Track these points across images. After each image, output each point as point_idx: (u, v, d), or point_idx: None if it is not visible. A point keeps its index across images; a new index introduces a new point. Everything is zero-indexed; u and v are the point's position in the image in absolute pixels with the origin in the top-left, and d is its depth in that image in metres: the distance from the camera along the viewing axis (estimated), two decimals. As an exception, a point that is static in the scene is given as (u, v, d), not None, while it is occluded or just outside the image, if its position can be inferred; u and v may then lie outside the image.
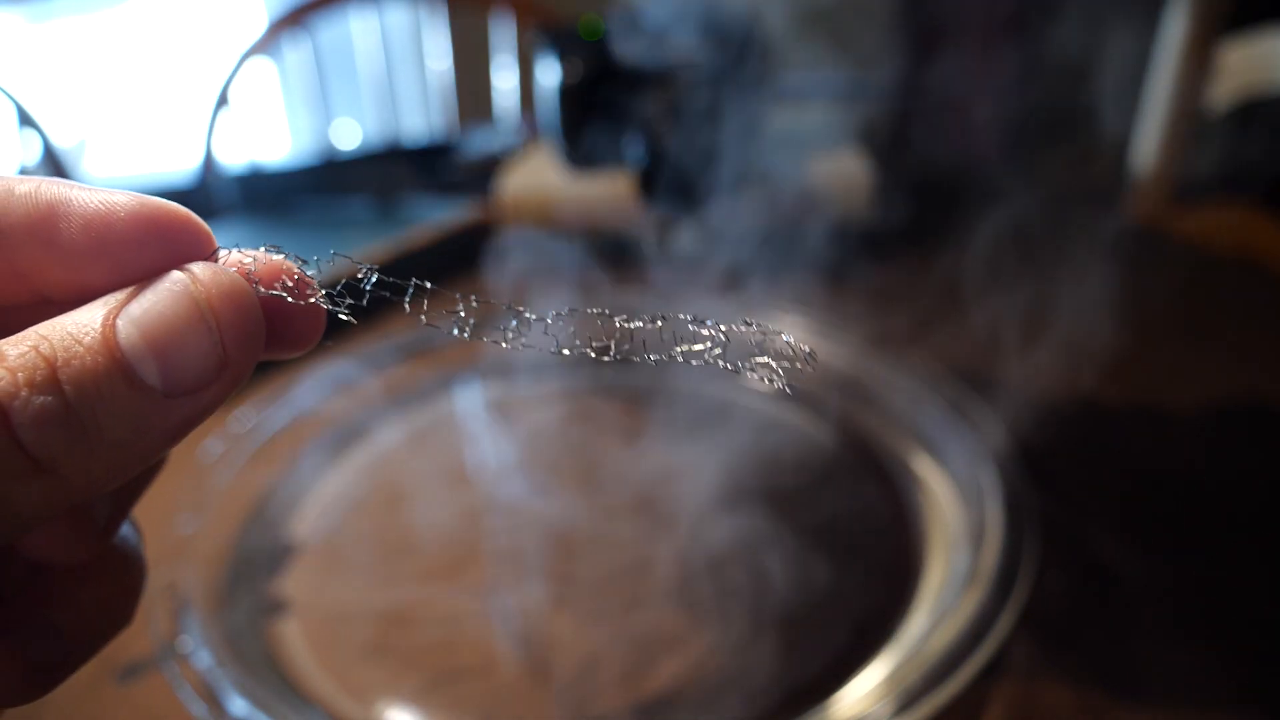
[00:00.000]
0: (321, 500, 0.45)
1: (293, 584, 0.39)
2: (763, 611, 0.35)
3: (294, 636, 0.35)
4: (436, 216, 0.77)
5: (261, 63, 1.19)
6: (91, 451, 0.14)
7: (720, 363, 0.19)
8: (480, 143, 0.91)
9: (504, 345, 0.18)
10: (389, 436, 0.50)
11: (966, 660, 0.29)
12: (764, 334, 0.18)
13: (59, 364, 0.13)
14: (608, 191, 0.72)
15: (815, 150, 0.74)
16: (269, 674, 0.33)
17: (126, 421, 0.14)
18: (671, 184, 0.63)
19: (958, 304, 0.53)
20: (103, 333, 0.14)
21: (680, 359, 0.19)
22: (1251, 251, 0.75)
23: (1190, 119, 0.83)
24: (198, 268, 0.15)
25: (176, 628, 0.32)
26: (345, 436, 0.49)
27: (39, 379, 0.13)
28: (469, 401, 0.54)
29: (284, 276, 0.16)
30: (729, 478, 0.44)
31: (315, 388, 0.50)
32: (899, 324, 0.51)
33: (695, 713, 0.31)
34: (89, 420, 0.14)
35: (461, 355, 0.55)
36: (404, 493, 0.45)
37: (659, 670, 0.33)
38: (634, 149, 0.66)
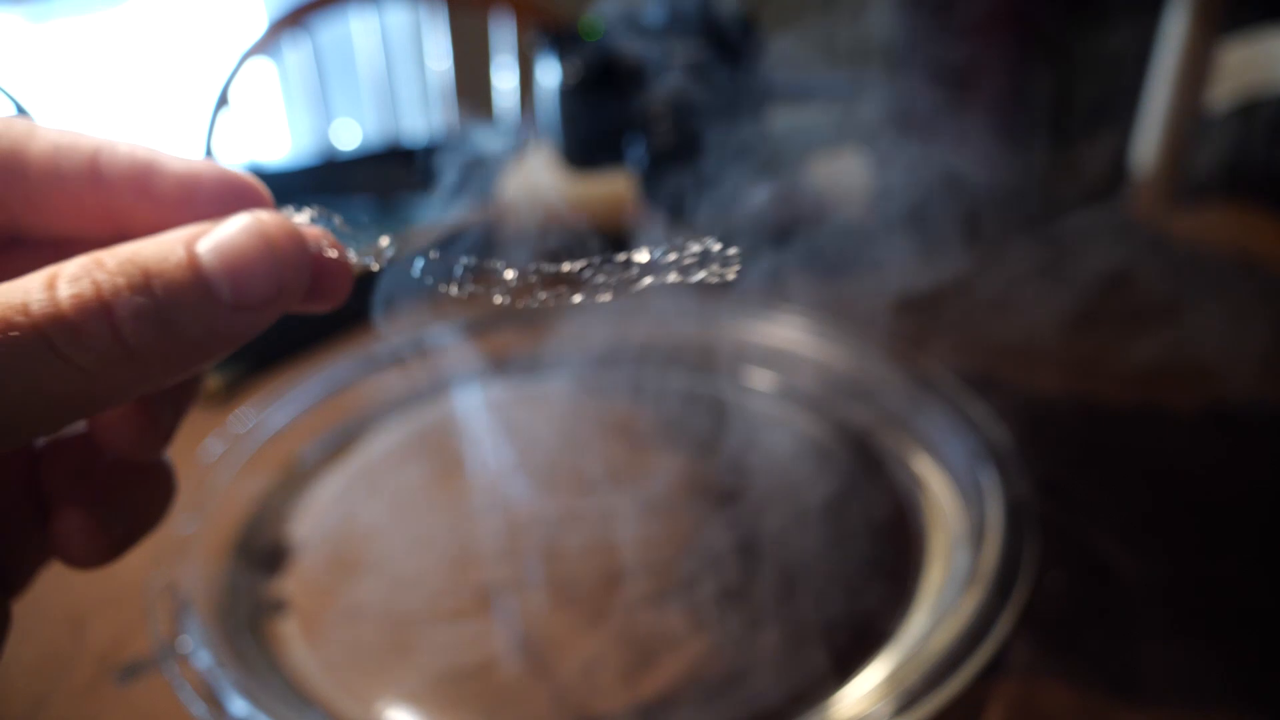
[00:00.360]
0: (321, 500, 0.45)
1: (293, 584, 0.39)
2: (763, 611, 0.35)
3: (294, 636, 0.35)
4: (436, 216, 0.77)
5: (261, 63, 1.19)
6: (171, 346, 0.17)
7: (668, 279, 0.22)
8: (480, 143, 0.91)
9: (458, 294, 0.21)
10: (389, 436, 0.50)
11: (967, 660, 0.29)
12: (699, 245, 0.22)
13: (152, 274, 0.16)
14: (608, 192, 0.72)
15: (815, 149, 0.74)
16: (269, 674, 0.33)
17: (200, 325, 0.17)
18: (671, 184, 0.63)
19: (958, 303, 0.53)
20: (187, 254, 0.17)
21: (634, 289, 0.22)
22: (1251, 251, 0.75)
23: (1190, 119, 0.83)
24: (264, 213, 0.19)
25: (176, 628, 0.32)
26: (345, 436, 0.49)
27: (136, 283, 0.16)
28: (469, 401, 0.54)
29: (324, 240, 0.20)
30: (729, 478, 0.44)
31: (315, 388, 0.50)
32: (899, 323, 0.51)
33: (695, 713, 0.31)
34: (173, 320, 0.17)
35: (461, 355, 0.55)
36: (404, 493, 0.45)
37: (659, 670, 0.33)
38: (634, 149, 0.66)
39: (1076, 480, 0.42)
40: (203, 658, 0.31)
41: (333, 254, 0.20)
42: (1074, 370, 0.53)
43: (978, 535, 0.35)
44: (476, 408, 0.54)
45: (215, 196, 0.19)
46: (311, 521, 0.43)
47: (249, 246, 0.18)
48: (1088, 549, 0.38)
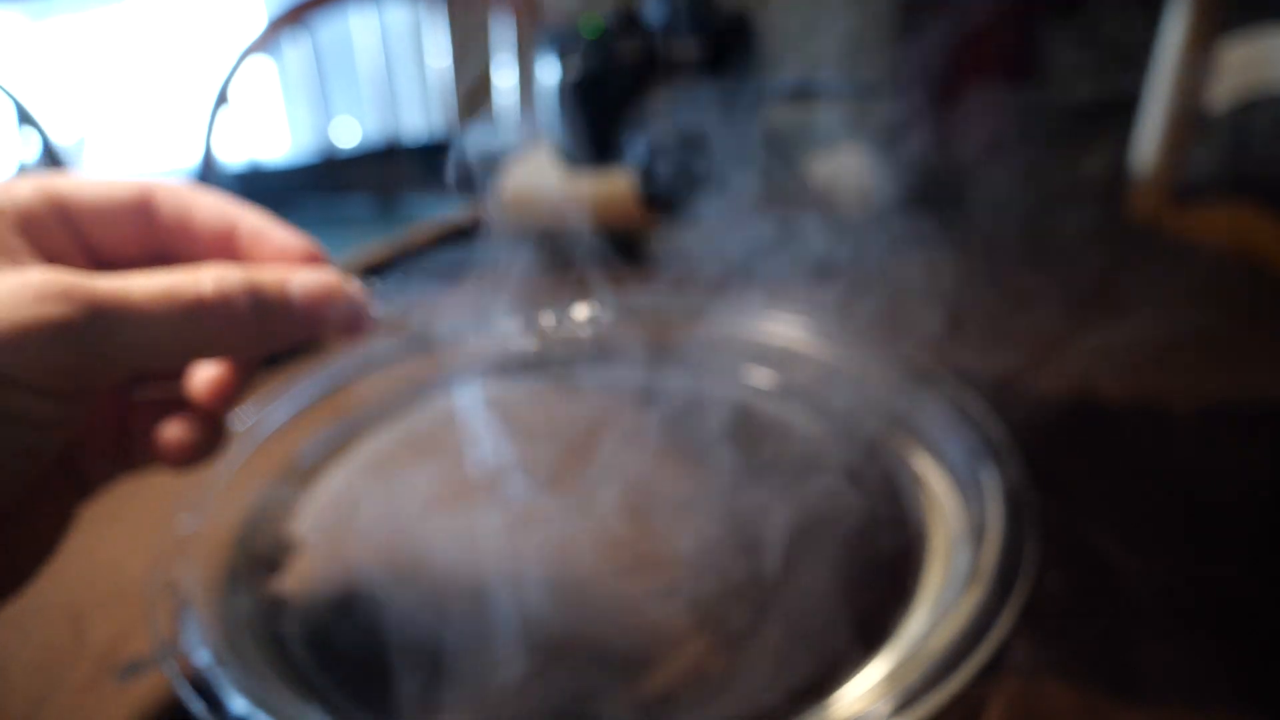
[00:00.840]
0: (321, 499, 0.45)
1: (293, 582, 0.39)
2: (762, 610, 0.35)
3: (294, 635, 0.35)
4: (436, 215, 0.77)
5: (261, 60, 1.18)
6: (259, 332, 0.27)
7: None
8: (480, 142, 0.91)
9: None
10: (390, 434, 0.50)
11: (966, 659, 0.29)
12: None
13: (260, 287, 0.26)
14: (608, 190, 0.72)
15: (816, 148, 0.74)
16: (269, 673, 0.33)
17: (280, 324, 0.27)
18: (672, 182, 0.63)
19: (958, 303, 0.53)
20: (282, 282, 0.27)
21: None
22: (1251, 251, 0.75)
23: (1190, 119, 0.83)
24: (331, 272, 0.29)
25: (176, 626, 0.32)
26: (346, 435, 0.49)
27: (249, 290, 0.26)
28: (469, 400, 0.54)
29: (359, 293, 0.29)
30: (728, 476, 0.44)
31: (315, 386, 0.50)
32: (899, 322, 0.51)
33: (695, 712, 0.31)
34: (265, 317, 0.27)
35: (462, 354, 0.55)
36: (404, 491, 0.45)
37: (659, 669, 0.33)
38: (635, 147, 0.66)
39: (1076, 480, 0.42)
40: (202, 656, 0.31)
41: (363, 304, 0.29)
42: (1074, 369, 0.53)
43: (978, 534, 0.35)
44: (477, 406, 0.54)
45: (300, 255, 0.30)
46: (311, 520, 0.43)
47: (317, 287, 0.28)
48: (1088, 549, 0.38)
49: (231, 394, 0.31)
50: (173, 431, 0.29)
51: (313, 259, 0.30)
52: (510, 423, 0.51)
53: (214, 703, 0.29)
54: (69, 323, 0.22)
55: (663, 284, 0.69)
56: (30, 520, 0.27)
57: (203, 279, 0.25)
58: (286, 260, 0.29)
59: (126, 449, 0.30)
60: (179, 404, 0.30)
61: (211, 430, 0.30)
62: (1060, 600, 0.35)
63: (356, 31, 1.62)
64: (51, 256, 0.26)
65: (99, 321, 0.23)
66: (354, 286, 0.29)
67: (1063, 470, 0.43)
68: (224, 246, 0.29)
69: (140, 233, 0.29)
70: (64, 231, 0.27)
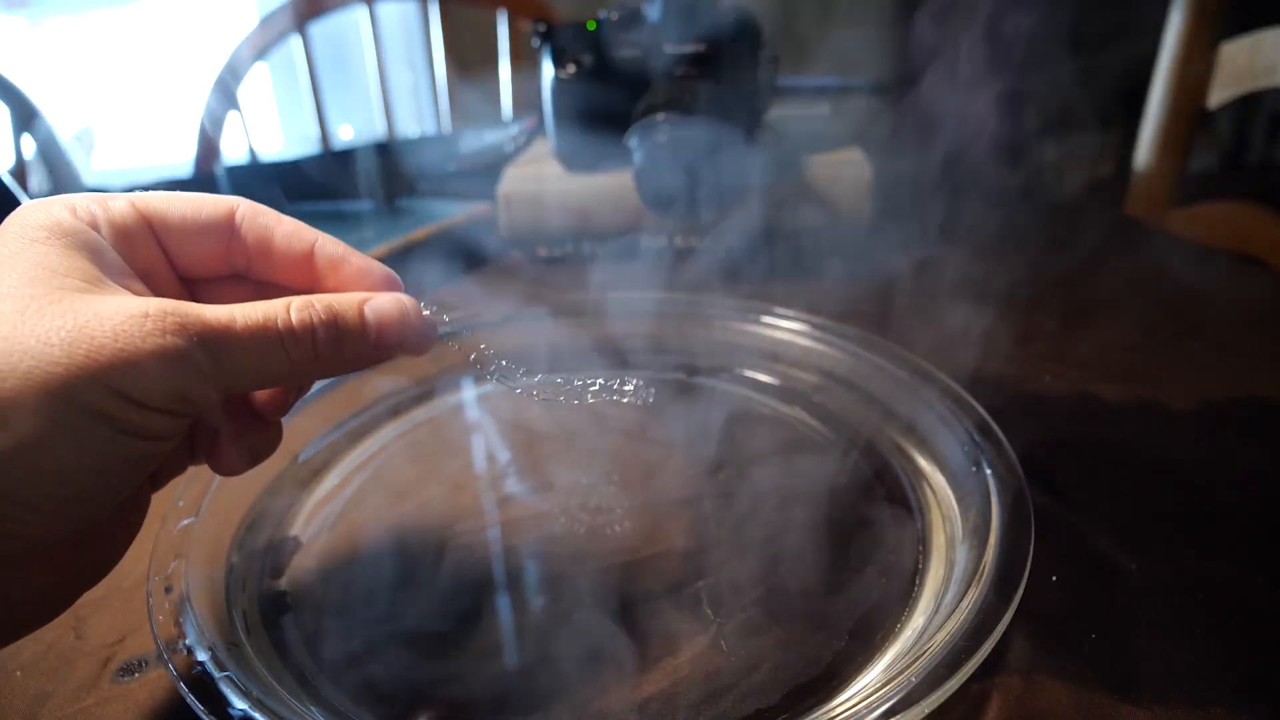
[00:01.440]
0: (321, 499, 0.45)
1: (293, 582, 0.39)
2: (762, 610, 0.36)
3: (294, 635, 0.35)
4: (435, 215, 0.76)
5: (259, 59, 1.18)
6: (336, 358, 0.28)
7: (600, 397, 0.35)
8: (479, 141, 0.91)
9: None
10: (389, 434, 0.50)
11: (967, 659, 0.29)
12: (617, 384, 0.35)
13: (338, 316, 0.28)
14: (607, 190, 0.72)
15: (816, 148, 0.74)
16: (268, 673, 0.32)
17: (354, 350, 0.28)
18: (671, 182, 0.63)
19: (957, 301, 0.53)
20: (359, 309, 0.28)
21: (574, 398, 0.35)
22: (1249, 248, 0.75)
23: (1190, 117, 0.84)
24: (404, 296, 0.30)
25: (176, 626, 0.32)
26: (345, 434, 0.49)
27: (329, 320, 0.27)
28: (469, 398, 0.54)
29: (429, 318, 0.31)
30: (729, 477, 0.44)
31: (315, 385, 0.50)
32: (899, 322, 0.51)
33: (694, 712, 0.31)
34: (342, 344, 0.28)
35: (462, 354, 0.55)
36: (404, 491, 0.45)
37: (658, 670, 0.33)
38: (633, 146, 0.66)
39: (1076, 478, 0.42)
40: (202, 656, 0.31)
41: (432, 327, 0.31)
42: (1074, 368, 0.53)
43: (978, 534, 0.35)
44: (476, 406, 0.54)
45: (377, 281, 0.31)
46: (311, 520, 0.43)
47: (393, 313, 0.29)
48: (1088, 549, 0.38)
49: (287, 403, 0.33)
50: (226, 443, 0.31)
51: (388, 285, 0.31)
52: (510, 421, 0.52)
53: (214, 703, 0.28)
54: (183, 353, 0.24)
55: (663, 283, 0.69)
56: (126, 510, 0.29)
57: (289, 308, 0.27)
58: (363, 285, 0.30)
59: (191, 447, 0.32)
60: (240, 408, 0.32)
61: (263, 437, 0.32)
62: (1060, 599, 0.35)
63: (355, 30, 1.62)
64: (142, 269, 0.28)
65: (208, 350, 0.24)
66: (424, 309, 0.30)
67: (1062, 470, 0.43)
68: (302, 268, 0.31)
69: (223, 250, 0.30)
70: (154, 246, 0.29)
